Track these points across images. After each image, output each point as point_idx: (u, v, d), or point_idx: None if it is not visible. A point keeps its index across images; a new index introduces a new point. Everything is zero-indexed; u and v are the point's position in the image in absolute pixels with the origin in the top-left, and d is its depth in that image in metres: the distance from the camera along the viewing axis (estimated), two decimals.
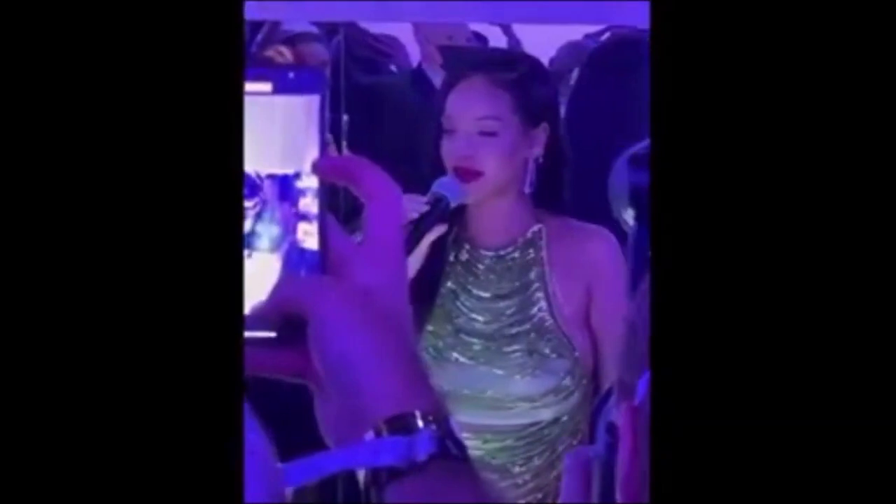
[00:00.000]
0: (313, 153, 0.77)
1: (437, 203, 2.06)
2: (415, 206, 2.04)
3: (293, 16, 3.24)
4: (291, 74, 0.77)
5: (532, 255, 2.16)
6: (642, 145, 1.28)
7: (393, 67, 4.29)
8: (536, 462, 2.14)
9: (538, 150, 2.15)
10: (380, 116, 3.57)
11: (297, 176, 0.77)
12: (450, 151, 2.12)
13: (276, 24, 3.92)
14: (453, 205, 2.08)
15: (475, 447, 2.12)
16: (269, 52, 3.48)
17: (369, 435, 0.71)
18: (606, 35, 4.03)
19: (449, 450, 0.71)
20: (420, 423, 0.71)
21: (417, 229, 2.03)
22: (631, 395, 0.69)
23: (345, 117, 3.22)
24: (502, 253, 2.17)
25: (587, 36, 4.29)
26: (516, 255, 2.17)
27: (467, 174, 2.11)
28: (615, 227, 2.11)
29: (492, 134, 2.11)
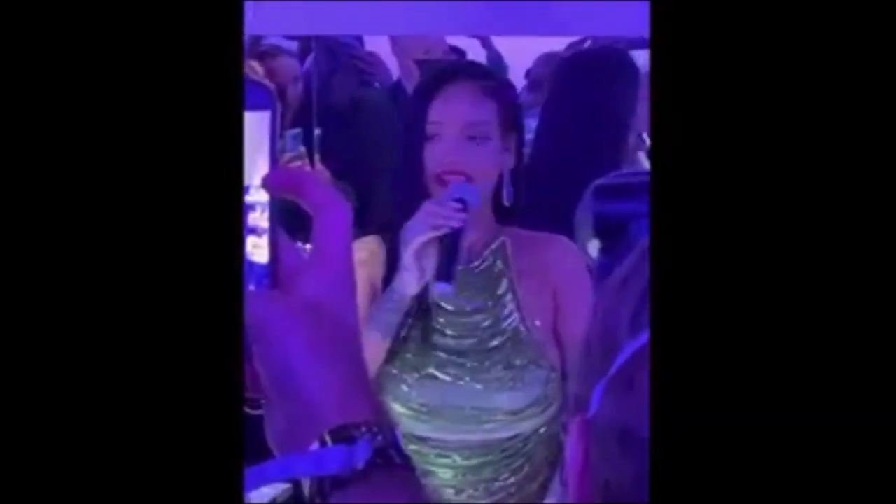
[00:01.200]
0: (263, 168, 0.77)
1: (465, 208, 1.99)
2: (449, 212, 1.97)
3: (276, 29, 3.23)
4: None
5: (500, 267, 2.13)
6: (609, 176, 1.27)
7: (377, 84, 4.30)
8: (517, 476, 2.13)
9: (511, 162, 2.12)
10: (359, 130, 3.57)
11: (247, 190, 0.78)
12: (434, 157, 2.05)
13: (257, 39, 3.93)
14: (472, 210, 2.01)
15: (453, 464, 2.11)
16: None
17: (314, 445, 0.71)
18: (586, 45, 4.01)
19: (392, 459, 0.72)
20: (364, 434, 0.71)
21: (458, 237, 1.97)
22: (585, 407, 0.69)
23: (316, 131, 3.20)
24: (471, 266, 2.14)
25: (569, 46, 4.28)
26: (484, 268, 2.14)
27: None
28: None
29: (482, 139, 2.06)
